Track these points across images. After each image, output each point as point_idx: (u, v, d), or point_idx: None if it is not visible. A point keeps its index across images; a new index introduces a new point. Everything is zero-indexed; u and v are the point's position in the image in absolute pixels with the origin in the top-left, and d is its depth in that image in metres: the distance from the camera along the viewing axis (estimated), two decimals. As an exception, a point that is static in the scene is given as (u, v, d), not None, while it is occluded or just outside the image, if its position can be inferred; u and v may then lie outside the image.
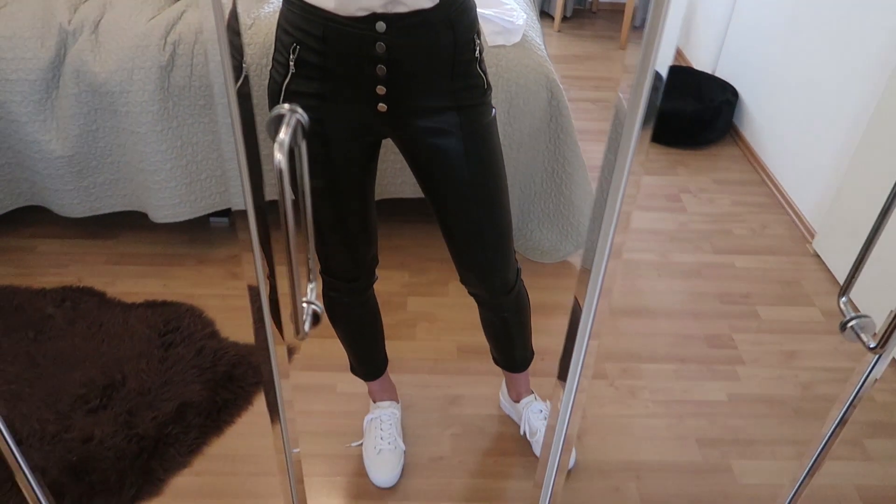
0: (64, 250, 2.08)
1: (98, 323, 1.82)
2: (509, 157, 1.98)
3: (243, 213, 0.56)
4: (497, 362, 1.57)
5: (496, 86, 1.87)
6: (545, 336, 1.93)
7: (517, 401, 1.64)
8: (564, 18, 3.92)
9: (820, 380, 1.84)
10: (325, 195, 1.16)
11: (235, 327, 1.87)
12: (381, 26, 0.99)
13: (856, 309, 0.71)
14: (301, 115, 0.57)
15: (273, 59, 1.11)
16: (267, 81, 1.68)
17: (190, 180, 1.96)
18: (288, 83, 1.08)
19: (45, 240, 2.11)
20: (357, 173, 1.16)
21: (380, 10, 0.98)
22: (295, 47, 1.05)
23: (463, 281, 1.33)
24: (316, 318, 0.60)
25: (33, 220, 2.17)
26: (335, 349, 1.80)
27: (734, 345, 1.93)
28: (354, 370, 1.55)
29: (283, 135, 0.54)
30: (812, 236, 2.30)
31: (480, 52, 1.12)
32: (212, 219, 2.24)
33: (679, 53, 3.55)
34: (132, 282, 2.00)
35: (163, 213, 1.98)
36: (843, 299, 0.62)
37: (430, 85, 1.07)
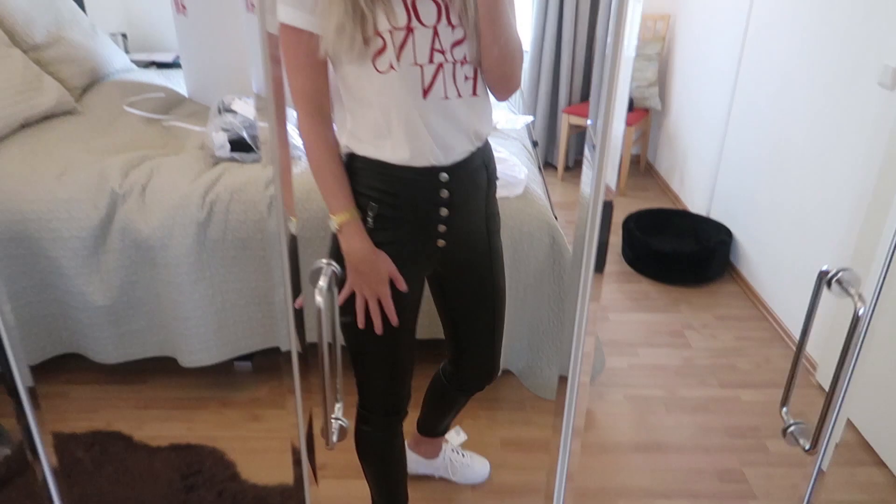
0: (96, 395, 2.19)
1: (124, 467, 1.88)
2: (516, 299, 2.11)
3: (287, 353, 0.68)
4: (427, 429, 1.77)
5: (502, 234, 2.04)
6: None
7: (436, 456, 1.86)
8: (567, 168, 4.22)
9: (835, 514, 1.84)
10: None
11: (256, 469, 1.92)
12: (444, 176, 1.20)
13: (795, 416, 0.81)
14: (335, 267, 0.71)
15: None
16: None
17: (218, 326, 2.10)
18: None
19: (78, 385, 2.22)
20: (414, 309, 1.34)
21: (441, 161, 1.19)
22: (373, 206, 1.21)
23: (463, 377, 1.54)
24: (342, 434, 0.70)
25: (69, 366, 2.29)
26: (356, 490, 1.84)
27: (745, 479, 1.95)
28: None
29: (322, 283, 0.68)
30: (815, 368, 2.36)
31: (493, 187, 1.37)
32: (236, 363, 2.35)
33: (676, 198, 3.78)
34: (158, 425, 2.08)
35: (192, 357, 2.10)
36: (784, 409, 0.72)
37: (472, 218, 1.30)
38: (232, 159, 2.20)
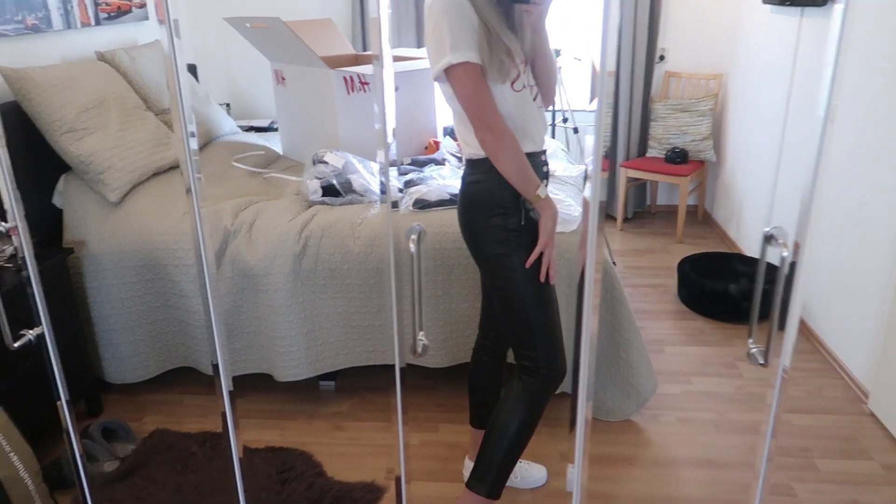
0: (205, 403, 2.52)
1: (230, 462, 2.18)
2: (574, 330, 2.34)
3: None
4: (480, 418, 2.02)
5: (559, 266, 2.29)
6: (614, 484, 2.13)
7: None
8: (626, 219, 4.43)
9: (880, 526, 1.93)
10: (550, 290, 1.68)
11: (339, 468, 2.18)
12: (544, 156, 1.73)
13: None
14: (422, 227, 1.01)
15: (501, 207, 1.62)
16: (370, 265, 2.21)
17: (308, 345, 2.41)
18: (524, 212, 1.62)
19: (190, 395, 2.57)
20: None
21: (542, 147, 1.71)
22: (524, 201, 1.62)
23: (491, 339, 1.95)
24: (425, 350, 0.97)
25: (182, 379, 2.65)
26: (436, 490, 2.07)
27: (794, 493, 2.07)
28: (499, 486, 1.77)
29: (414, 236, 0.97)
30: (867, 397, 2.46)
31: None
32: (321, 383, 2.65)
33: (732, 244, 3.93)
34: (256, 431, 2.38)
35: (286, 372, 2.41)
36: (750, 339, 0.94)
37: None
38: (323, 202, 2.55)
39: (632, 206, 4.48)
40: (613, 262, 3.76)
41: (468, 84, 1.52)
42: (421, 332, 1.03)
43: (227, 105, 4.20)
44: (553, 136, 4.20)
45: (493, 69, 1.53)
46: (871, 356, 2.45)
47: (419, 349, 1.00)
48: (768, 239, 0.97)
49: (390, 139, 0.93)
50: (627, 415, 2.42)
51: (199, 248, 0.98)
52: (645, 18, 4.04)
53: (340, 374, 2.70)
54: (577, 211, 2.40)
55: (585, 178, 3.08)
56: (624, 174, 4.15)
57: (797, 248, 0.92)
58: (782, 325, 0.96)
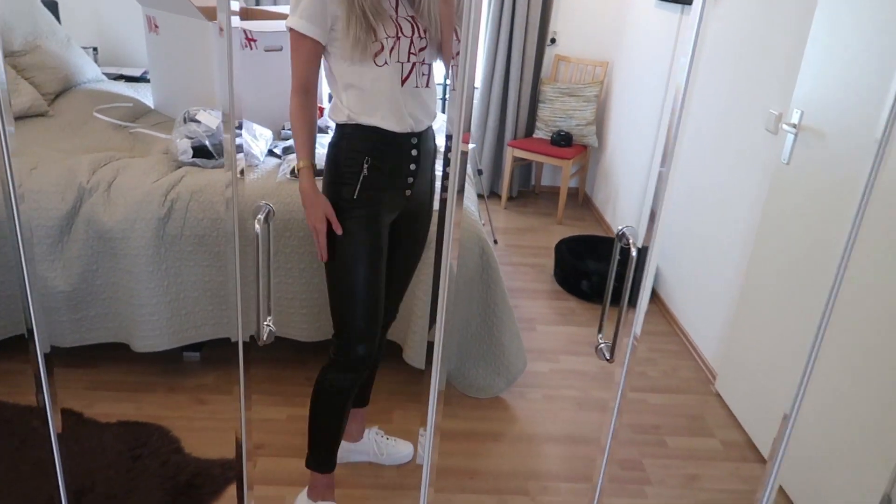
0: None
1: (74, 437, 2.03)
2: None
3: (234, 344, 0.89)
4: (362, 403, 2.05)
5: (434, 243, 2.28)
6: (479, 459, 2.17)
7: (361, 436, 2.09)
8: (510, 198, 4.51)
9: (717, 500, 2.08)
10: (372, 259, 1.61)
11: (198, 445, 2.09)
12: (414, 140, 1.63)
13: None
14: (270, 206, 0.94)
15: (341, 175, 1.59)
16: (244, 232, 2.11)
17: (171, 315, 2.27)
18: (361, 182, 1.57)
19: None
20: (383, 250, 1.66)
21: (413, 128, 1.61)
22: (367, 158, 1.57)
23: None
24: (270, 336, 0.92)
25: (27, 347, 2.43)
26: (291, 465, 2.02)
27: (643, 468, 2.19)
28: (318, 461, 1.78)
29: (261, 216, 0.90)
30: (714, 378, 2.64)
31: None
32: (185, 353, 2.52)
33: (609, 228, 4.09)
34: (108, 405, 2.23)
35: (145, 342, 2.26)
36: (599, 334, 0.97)
37: (427, 176, 1.72)
38: (193, 164, 2.40)
39: (517, 186, 4.56)
40: (495, 241, 3.82)
41: (293, 50, 1.53)
42: (268, 318, 0.97)
43: (95, 49, 3.86)
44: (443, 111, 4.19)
45: (345, 46, 1.51)
46: (721, 339, 2.63)
47: (264, 336, 0.95)
48: (620, 237, 0.99)
49: (233, 99, 0.87)
50: (497, 392, 2.47)
51: (11, 198, 0.87)
52: (538, 0, 4.08)
53: (207, 346, 2.58)
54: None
55: (476, 161, 3.07)
56: (511, 153, 4.21)
57: (649, 232, 0.95)
58: (633, 304, 0.99)
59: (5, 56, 2.57)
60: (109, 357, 2.46)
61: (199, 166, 2.40)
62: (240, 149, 0.95)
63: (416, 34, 1.57)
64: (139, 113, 2.92)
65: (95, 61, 3.83)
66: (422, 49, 1.58)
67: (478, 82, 4.35)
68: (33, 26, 2.75)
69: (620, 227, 1.00)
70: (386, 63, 1.54)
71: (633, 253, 0.96)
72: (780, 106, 2.30)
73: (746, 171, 2.51)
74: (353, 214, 1.59)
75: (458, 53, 0.77)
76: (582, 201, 4.57)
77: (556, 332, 2.95)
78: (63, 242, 2.20)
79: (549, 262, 3.62)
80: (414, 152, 1.64)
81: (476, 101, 4.35)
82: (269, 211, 0.95)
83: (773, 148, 2.33)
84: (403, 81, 1.57)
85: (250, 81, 2.77)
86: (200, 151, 2.43)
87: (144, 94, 3.17)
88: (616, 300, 3.28)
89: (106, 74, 3.51)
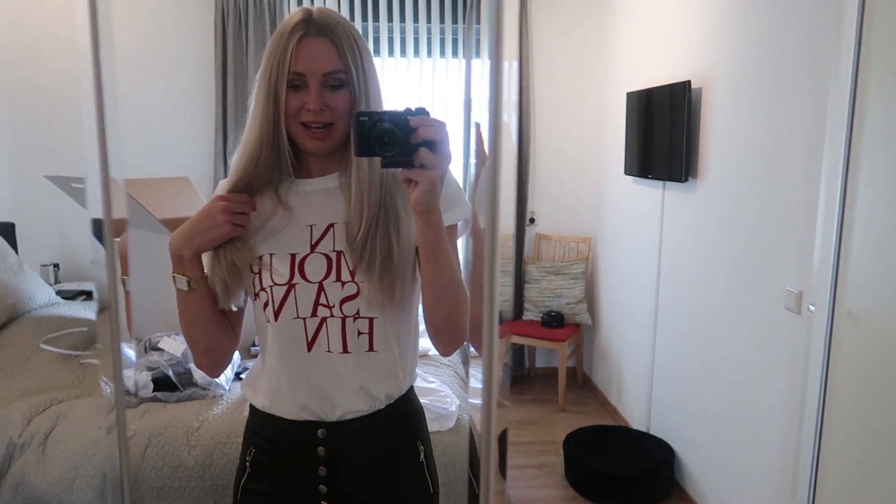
0: None
1: None
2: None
3: None
4: None
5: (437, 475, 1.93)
6: None
7: None
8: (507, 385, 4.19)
9: None
10: None
11: None
12: (322, 432, 1.12)
13: None
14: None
15: (238, 458, 1.22)
16: (209, 481, 1.81)
17: None
18: (245, 482, 1.18)
19: None
20: None
21: (319, 416, 1.11)
22: (251, 450, 1.18)
23: None
24: None
25: None
26: None
27: None
28: None
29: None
30: None
31: (427, 457, 1.22)
32: None
33: (615, 412, 3.76)
34: None
35: None
36: None
37: (372, 487, 1.16)
38: (155, 399, 2.10)
39: (510, 372, 4.26)
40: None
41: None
42: None
43: (56, 266, 3.66)
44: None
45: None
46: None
47: None
48: None
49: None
50: None
51: None
52: (514, 180, 4.05)
53: None
54: (453, 404, 2.10)
55: (464, 354, 2.77)
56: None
57: None
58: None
59: (-57, 291, 2.33)
60: None
61: (161, 401, 2.09)
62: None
63: (335, 276, 1.10)
64: (94, 338, 2.64)
65: (56, 278, 3.62)
66: (348, 298, 1.09)
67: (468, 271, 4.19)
68: (-21, 255, 2.55)
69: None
70: (275, 320, 1.10)
71: None
72: (797, 283, 2.11)
73: (772, 351, 2.26)
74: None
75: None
76: (581, 382, 4.26)
77: (581, 555, 2.51)
78: (-16, 515, 1.82)
79: (558, 459, 3.23)
80: (321, 450, 1.13)
81: (459, 287, 4.17)
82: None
83: (798, 330, 2.10)
84: (309, 346, 1.10)
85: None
86: (162, 383, 2.14)
87: (103, 314, 2.91)
88: (639, 502, 2.91)
89: (63, 293, 3.28)
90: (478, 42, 3.82)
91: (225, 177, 1.16)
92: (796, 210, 2.12)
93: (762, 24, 2.32)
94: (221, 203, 1.07)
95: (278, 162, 1.11)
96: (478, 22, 3.60)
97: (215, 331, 1.15)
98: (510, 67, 0.41)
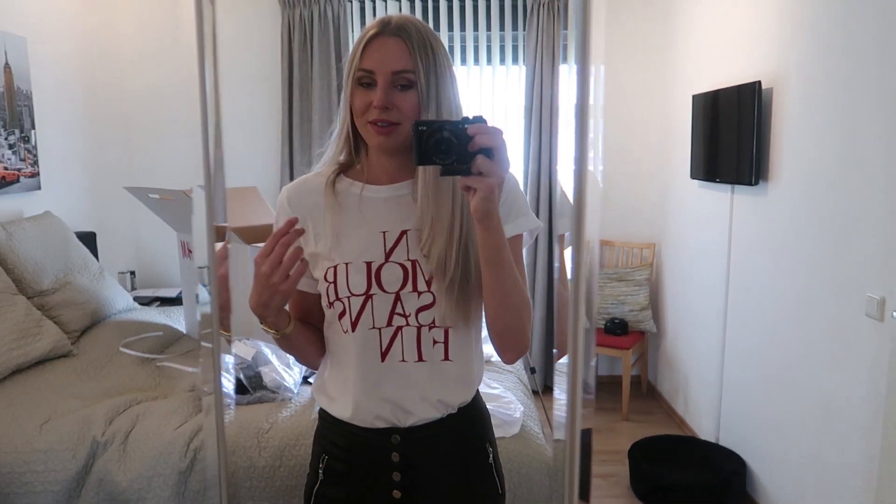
0: None
1: None
2: (519, 550, 1.94)
3: None
4: None
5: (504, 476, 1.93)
6: None
7: None
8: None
9: None
10: None
11: None
12: (395, 438, 1.14)
13: None
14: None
15: (309, 465, 1.24)
16: (278, 482, 1.90)
17: (191, 589, 1.90)
18: (318, 489, 1.20)
19: None
20: None
21: (393, 423, 1.13)
22: (324, 457, 1.19)
23: None
24: None
25: None
26: None
27: None
28: None
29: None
30: None
31: (495, 458, 1.23)
32: None
33: (682, 421, 3.66)
34: None
35: None
36: None
37: (444, 489, 1.17)
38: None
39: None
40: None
41: None
42: None
43: (132, 273, 3.82)
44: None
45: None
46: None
47: None
48: None
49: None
50: None
51: None
52: (601, 189, 4.00)
53: None
54: (517, 410, 2.09)
55: (530, 367, 2.75)
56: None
57: None
58: None
59: (33, 297, 2.46)
60: None
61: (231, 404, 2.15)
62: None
63: (411, 286, 1.10)
64: (170, 341, 2.74)
65: (132, 285, 3.78)
66: (424, 308, 1.10)
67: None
68: (64, 263, 2.69)
69: None
70: (352, 330, 1.11)
71: None
72: (879, 289, 2.01)
73: (850, 360, 2.16)
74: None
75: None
76: (646, 391, 4.17)
77: (649, 568, 2.45)
78: (70, 509, 1.91)
79: (623, 469, 3.17)
80: (395, 457, 1.14)
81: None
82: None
83: (881, 338, 2.01)
84: (384, 356, 1.12)
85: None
86: (234, 386, 2.20)
87: (178, 319, 3.03)
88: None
89: (139, 299, 3.42)
90: (539, 47, 3.80)
91: None
92: (876, 213, 2.03)
93: (835, 21, 2.24)
94: (265, 269, 1.02)
95: (352, 164, 1.14)
96: (565, 27, 3.57)
97: (319, 348, 1.20)
98: (598, 72, 0.41)
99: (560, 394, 0.58)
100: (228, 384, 2.01)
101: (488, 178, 0.95)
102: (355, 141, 1.12)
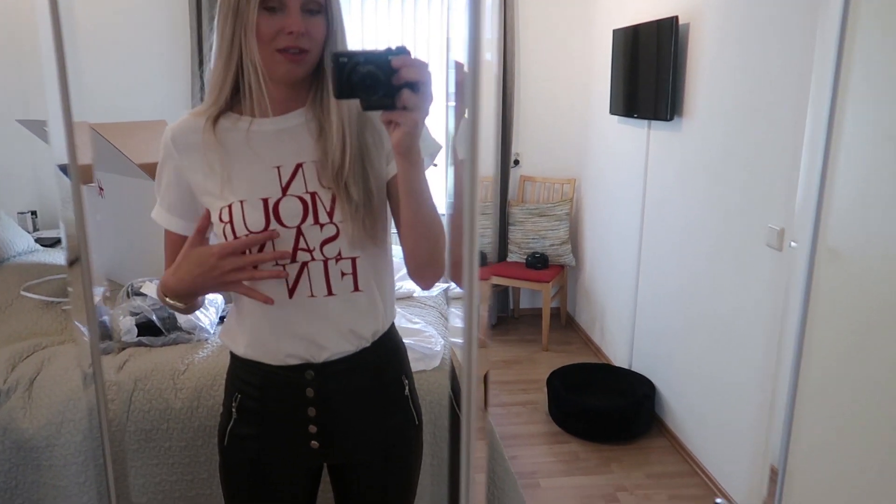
0: None
1: None
2: (433, 474, 2.00)
3: None
4: None
5: (423, 408, 1.97)
6: None
7: None
8: (491, 326, 4.24)
9: None
10: None
11: None
12: (309, 374, 1.13)
13: None
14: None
15: (222, 405, 1.22)
16: (196, 423, 1.85)
17: (110, 532, 1.88)
18: (231, 427, 1.19)
19: None
20: (302, 499, 1.23)
21: (306, 359, 1.12)
22: (237, 395, 1.18)
23: None
24: None
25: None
26: None
27: None
28: None
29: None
30: (751, 528, 2.30)
31: (411, 390, 1.25)
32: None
33: (598, 350, 3.82)
34: None
35: (76, 572, 1.85)
36: None
37: (360, 422, 1.18)
38: (139, 344, 2.09)
39: (495, 313, 4.31)
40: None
41: (166, 248, 1.24)
42: None
43: (33, 213, 3.60)
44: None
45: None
46: (751, 476, 2.31)
47: None
48: None
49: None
50: (507, 577, 2.08)
51: None
52: (496, 122, 4.00)
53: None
54: (438, 344, 2.12)
55: (447, 298, 2.77)
56: (487, 281, 3.97)
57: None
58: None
59: (-82, 239, 2.28)
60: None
61: (146, 345, 2.09)
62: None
63: (312, 220, 1.07)
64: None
65: (35, 225, 3.57)
66: (328, 240, 1.08)
67: (443, 208, 4.18)
68: (-46, 203, 2.49)
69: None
70: (278, 264, 1.08)
71: None
72: (780, 220, 2.12)
73: (752, 289, 2.29)
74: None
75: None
76: (565, 322, 4.32)
77: (564, 487, 2.59)
78: (-27, 459, 1.83)
79: (542, 397, 3.30)
80: (310, 392, 1.14)
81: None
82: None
83: (779, 267, 2.13)
84: (291, 292, 1.09)
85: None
86: (147, 328, 2.13)
87: (84, 261, 2.88)
88: (621, 437, 2.98)
89: (43, 240, 3.23)
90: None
91: None
92: (782, 149, 2.12)
93: (751, -45, 2.26)
94: (230, 261, 1.02)
95: (240, 96, 1.07)
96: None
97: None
98: (490, 3, 0.39)
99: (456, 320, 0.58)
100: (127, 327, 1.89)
101: (413, 113, 0.92)
102: (242, 72, 1.05)
